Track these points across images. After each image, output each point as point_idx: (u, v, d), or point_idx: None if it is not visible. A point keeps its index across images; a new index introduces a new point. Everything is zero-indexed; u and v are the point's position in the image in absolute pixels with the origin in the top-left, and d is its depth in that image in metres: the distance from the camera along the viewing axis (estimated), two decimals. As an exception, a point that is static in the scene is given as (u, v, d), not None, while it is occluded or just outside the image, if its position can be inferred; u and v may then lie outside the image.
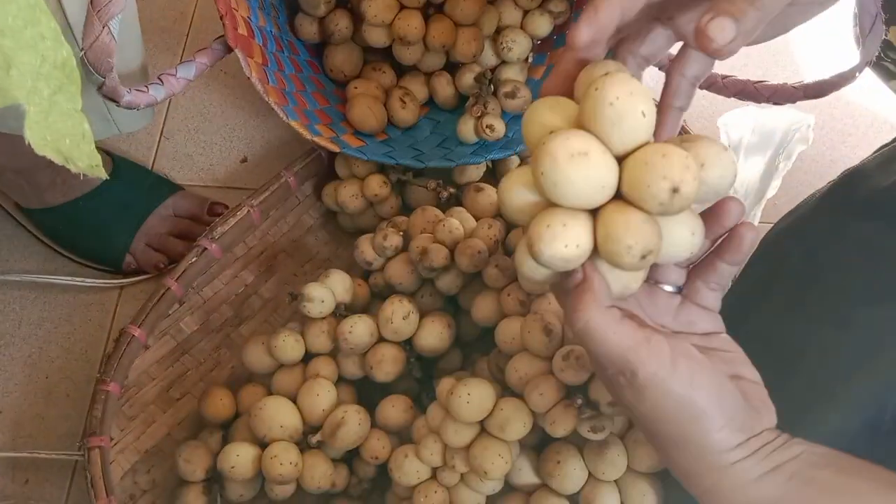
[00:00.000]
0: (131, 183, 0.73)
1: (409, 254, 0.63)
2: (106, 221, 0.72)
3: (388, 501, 0.59)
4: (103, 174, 0.37)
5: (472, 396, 0.52)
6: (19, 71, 0.31)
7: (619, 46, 0.41)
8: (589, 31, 0.37)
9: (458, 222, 0.62)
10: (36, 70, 0.32)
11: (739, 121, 0.67)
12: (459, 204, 0.68)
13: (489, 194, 0.66)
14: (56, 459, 0.64)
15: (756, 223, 0.65)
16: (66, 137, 0.35)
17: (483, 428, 0.54)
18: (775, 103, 0.51)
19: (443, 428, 0.54)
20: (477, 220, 0.65)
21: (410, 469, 0.55)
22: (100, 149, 0.72)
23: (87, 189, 0.71)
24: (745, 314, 0.50)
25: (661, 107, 0.41)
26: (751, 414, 0.38)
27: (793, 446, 0.38)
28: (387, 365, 0.60)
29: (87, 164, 0.35)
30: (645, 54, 0.41)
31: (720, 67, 0.62)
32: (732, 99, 0.59)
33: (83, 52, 0.47)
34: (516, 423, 0.52)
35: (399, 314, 0.59)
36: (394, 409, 0.59)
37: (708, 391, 0.37)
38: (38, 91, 0.32)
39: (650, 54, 0.41)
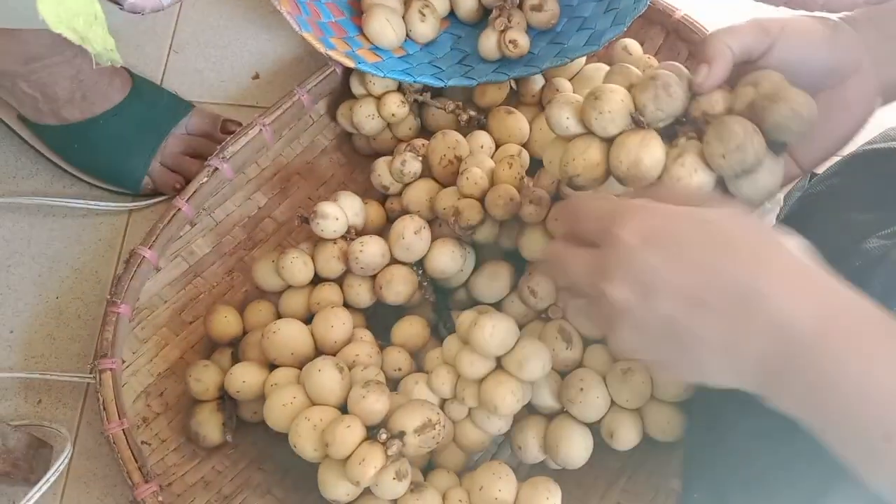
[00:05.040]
0: (151, 102, 0.71)
1: (430, 178, 0.61)
2: (126, 141, 0.69)
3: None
4: (118, 59, 0.35)
5: (496, 329, 0.51)
6: None
7: None
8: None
9: (480, 172, 0.58)
10: None
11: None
12: (481, 127, 0.65)
13: (518, 118, 0.63)
14: (68, 380, 0.63)
15: None
16: (79, 16, 0.33)
17: (499, 364, 0.52)
18: (830, 11, 0.47)
19: (459, 358, 0.53)
20: (499, 145, 0.62)
21: (419, 397, 0.54)
22: (122, 67, 0.70)
23: (107, 106, 0.68)
24: None
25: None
26: None
27: None
28: (397, 284, 0.58)
29: (102, 45, 0.33)
30: None
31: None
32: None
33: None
34: (535, 363, 0.51)
35: (410, 229, 0.57)
36: (411, 328, 0.58)
37: None
38: None
39: None
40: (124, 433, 0.55)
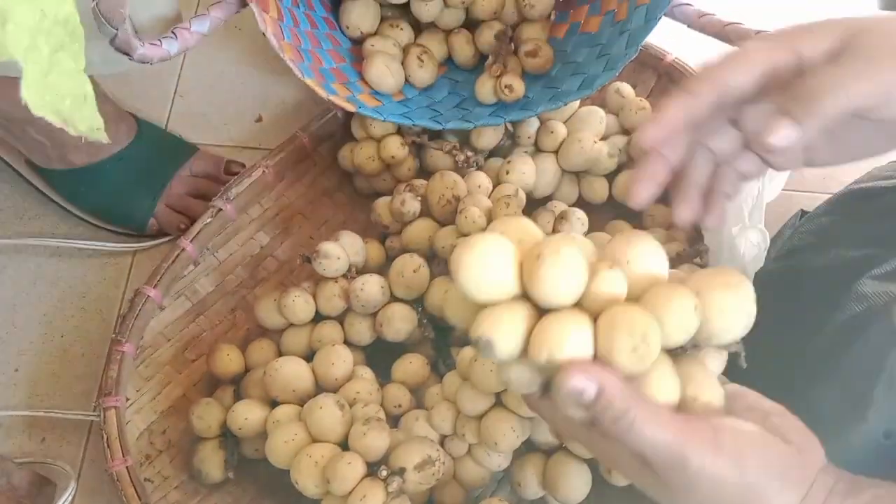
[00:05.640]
0: (156, 146, 0.73)
1: (429, 218, 0.62)
2: (132, 184, 0.71)
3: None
4: (104, 138, 0.35)
5: (497, 365, 0.51)
6: (16, 26, 0.29)
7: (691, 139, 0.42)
8: (655, 133, 0.39)
9: (479, 211, 0.60)
10: (35, 26, 0.31)
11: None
12: (478, 168, 0.66)
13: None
14: (72, 418, 0.64)
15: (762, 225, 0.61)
16: (67, 98, 0.33)
17: (498, 401, 0.53)
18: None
19: (459, 394, 0.54)
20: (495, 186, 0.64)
21: (419, 433, 0.55)
22: (123, 111, 0.72)
23: (113, 151, 0.70)
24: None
25: (708, 189, 0.43)
26: (799, 459, 0.35)
27: (860, 492, 0.35)
28: (397, 322, 0.59)
29: (88, 126, 0.34)
30: (714, 149, 0.42)
31: (753, 22, 0.61)
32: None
33: (95, 3, 0.46)
34: None
35: (410, 267, 0.59)
36: (411, 366, 0.59)
37: (757, 460, 0.34)
38: (38, 48, 0.31)
39: (719, 151, 0.42)
40: (128, 471, 0.56)
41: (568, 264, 0.33)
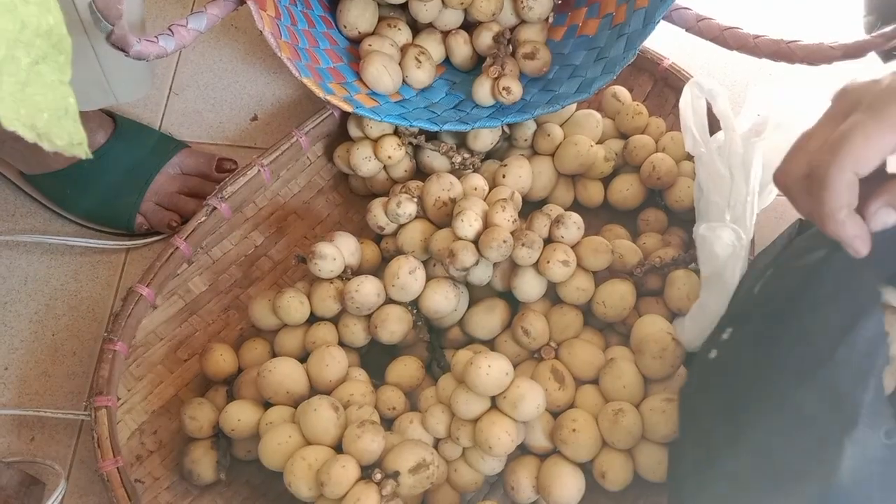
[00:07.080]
0: (135, 142, 0.72)
1: (424, 219, 0.62)
2: (113, 182, 0.70)
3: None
4: (84, 153, 0.34)
5: (493, 369, 0.51)
6: None
7: None
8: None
9: (475, 214, 0.59)
10: (14, 37, 0.30)
11: (769, 96, 0.64)
12: (475, 170, 0.66)
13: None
14: (62, 418, 0.63)
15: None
16: (45, 111, 0.32)
17: (493, 404, 0.53)
18: (810, 64, 0.49)
19: (454, 397, 0.53)
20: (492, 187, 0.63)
21: (413, 436, 0.54)
22: (101, 110, 0.71)
23: (91, 150, 0.69)
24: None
25: None
26: None
27: None
28: (391, 324, 0.59)
29: (68, 141, 0.33)
30: None
31: (751, 27, 0.61)
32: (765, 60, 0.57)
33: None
34: (530, 403, 0.52)
35: (405, 269, 0.58)
36: (406, 368, 0.59)
37: None
38: (16, 60, 0.30)
39: None
40: (118, 471, 0.55)
41: None
